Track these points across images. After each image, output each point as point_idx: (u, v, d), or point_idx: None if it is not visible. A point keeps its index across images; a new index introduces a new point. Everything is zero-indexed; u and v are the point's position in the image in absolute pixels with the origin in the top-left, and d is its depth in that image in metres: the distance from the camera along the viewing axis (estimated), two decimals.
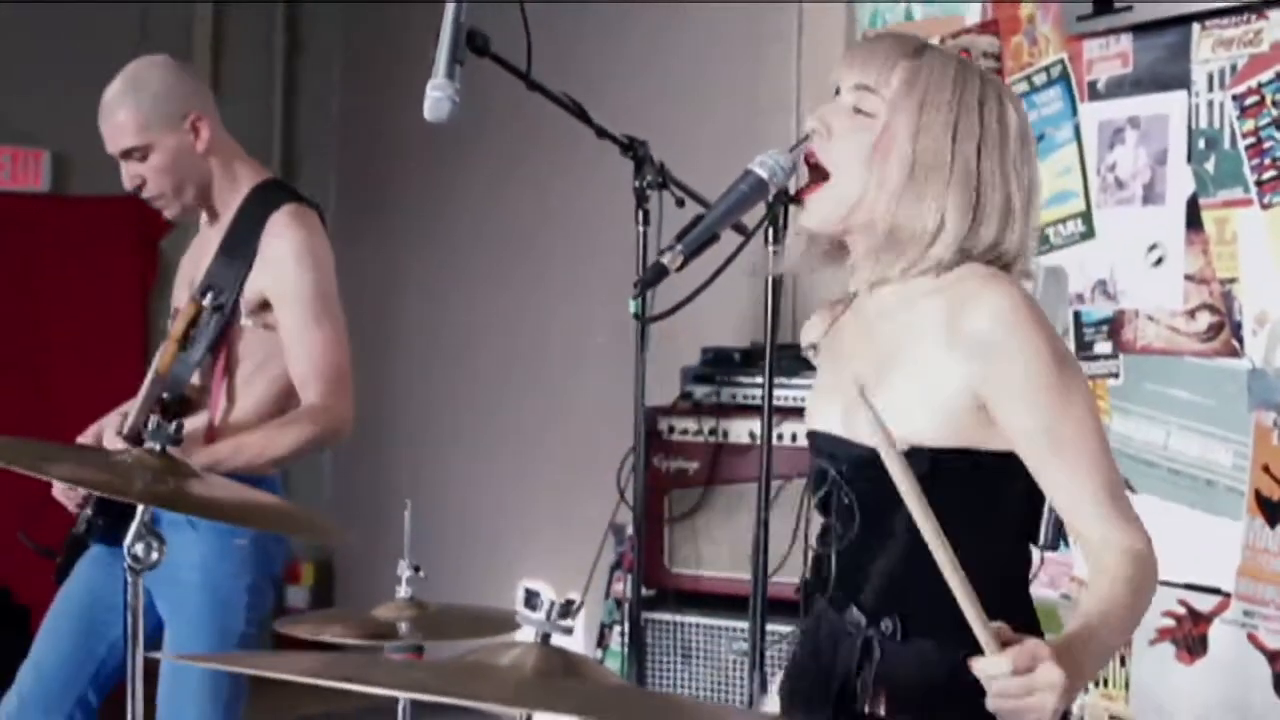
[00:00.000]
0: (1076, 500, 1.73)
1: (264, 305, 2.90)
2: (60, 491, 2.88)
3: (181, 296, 3.10)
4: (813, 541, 1.90)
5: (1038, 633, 1.78)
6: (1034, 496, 1.79)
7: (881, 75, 1.79)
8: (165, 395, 2.86)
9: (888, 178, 1.77)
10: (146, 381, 2.83)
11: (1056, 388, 1.71)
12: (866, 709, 1.75)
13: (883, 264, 1.80)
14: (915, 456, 1.74)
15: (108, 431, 2.85)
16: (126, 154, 2.91)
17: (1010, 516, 1.79)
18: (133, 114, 2.90)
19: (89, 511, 2.89)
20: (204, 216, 3.07)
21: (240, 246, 2.90)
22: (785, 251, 1.97)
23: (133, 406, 2.87)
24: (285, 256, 2.84)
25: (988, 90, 1.80)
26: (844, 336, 1.92)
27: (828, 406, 1.89)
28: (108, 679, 2.97)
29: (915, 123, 1.77)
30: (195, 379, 2.91)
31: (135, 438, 2.71)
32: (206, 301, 2.84)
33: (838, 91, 1.85)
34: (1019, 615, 1.75)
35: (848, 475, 1.83)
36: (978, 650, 1.54)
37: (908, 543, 1.76)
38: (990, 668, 1.48)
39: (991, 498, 1.77)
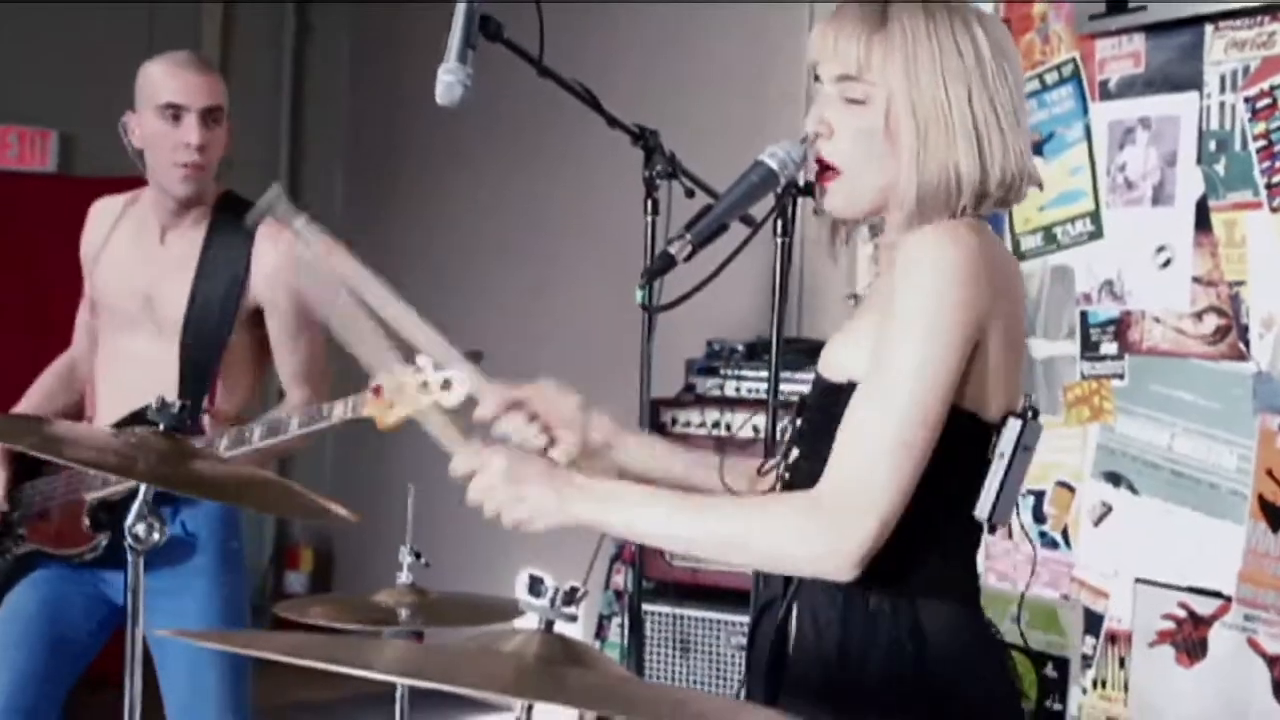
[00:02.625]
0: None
1: (254, 314, 2.97)
2: None
3: (126, 303, 3.01)
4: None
5: (976, 609, 1.76)
6: (974, 461, 1.73)
7: (859, 59, 1.77)
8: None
9: (904, 153, 1.76)
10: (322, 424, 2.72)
11: (911, 329, 1.66)
12: (793, 632, 1.77)
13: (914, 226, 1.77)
14: (847, 390, 1.71)
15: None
16: (208, 112, 2.91)
17: (944, 474, 1.69)
18: (223, 84, 2.97)
19: (103, 540, 2.87)
20: (153, 224, 3.01)
21: (226, 262, 2.96)
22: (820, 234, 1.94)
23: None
24: (282, 268, 2.92)
25: (955, 21, 1.76)
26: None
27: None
28: (71, 685, 3.02)
29: (908, 90, 1.75)
30: None
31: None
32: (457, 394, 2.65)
33: (818, 78, 1.85)
34: (958, 587, 1.74)
35: (810, 404, 1.84)
36: (895, 584, 1.69)
37: None
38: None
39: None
